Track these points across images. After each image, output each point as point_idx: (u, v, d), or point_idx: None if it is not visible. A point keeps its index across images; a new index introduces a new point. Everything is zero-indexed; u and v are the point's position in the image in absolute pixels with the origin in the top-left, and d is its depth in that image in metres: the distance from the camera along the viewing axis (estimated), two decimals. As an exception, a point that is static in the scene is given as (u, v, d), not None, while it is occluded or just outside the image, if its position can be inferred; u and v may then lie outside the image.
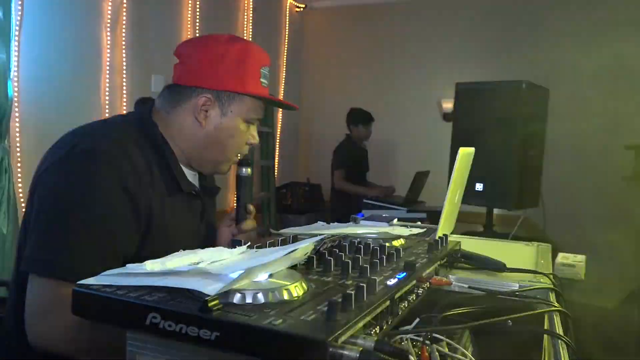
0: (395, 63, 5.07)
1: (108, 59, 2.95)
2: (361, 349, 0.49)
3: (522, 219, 2.47)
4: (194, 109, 1.11)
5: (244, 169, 1.19)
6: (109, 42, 2.94)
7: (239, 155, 1.19)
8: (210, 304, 0.52)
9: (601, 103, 4.12)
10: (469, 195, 2.17)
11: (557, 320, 0.72)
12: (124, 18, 3.04)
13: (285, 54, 5.06)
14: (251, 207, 1.22)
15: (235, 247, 0.75)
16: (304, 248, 0.66)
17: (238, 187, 1.21)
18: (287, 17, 5.09)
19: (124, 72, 3.06)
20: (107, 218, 0.96)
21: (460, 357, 0.70)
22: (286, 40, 5.07)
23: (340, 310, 0.52)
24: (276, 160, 4.75)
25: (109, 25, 2.94)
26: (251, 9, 4.37)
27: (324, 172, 4.54)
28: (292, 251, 0.63)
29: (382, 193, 4.11)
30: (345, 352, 0.49)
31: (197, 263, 0.65)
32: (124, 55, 3.05)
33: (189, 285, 0.55)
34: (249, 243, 0.75)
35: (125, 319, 0.56)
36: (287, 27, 5.08)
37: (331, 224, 1.13)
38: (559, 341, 0.64)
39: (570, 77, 4.10)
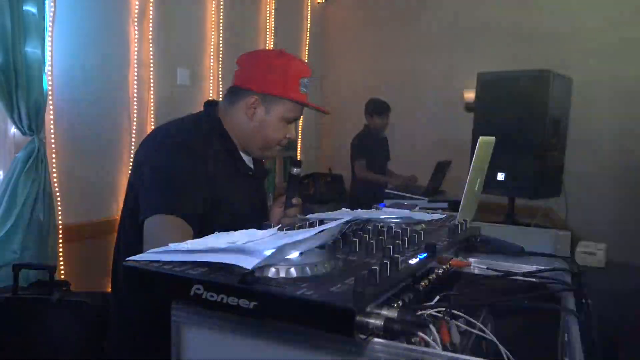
0: (416, 53, 5.06)
1: (135, 53, 3.03)
2: (385, 317, 0.54)
3: (545, 209, 2.48)
4: (245, 106, 1.40)
5: (295, 169, 1.46)
6: (136, 36, 3.02)
7: (281, 145, 1.46)
8: (248, 277, 0.58)
9: (623, 90, 4.05)
10: (490, 184, 2.20)
11: (572, 301, 0.76)
12: (151, 12, 3.11)
13: (307, 46, 5.10)
14: (295, 200, 1.46)
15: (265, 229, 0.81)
16: (331, 229, 0.71)
17: (288, 182, 1.47)
18: (309, 10, 5.12)
19: (151, 65, 3.14)
20: (189, 182, 1.26)
21: (478, 332, 0.74)
22: (308, 33, 5.10)
23: (366, 283, 0.57)
24: (299, 151, 4.80)
25: (136, 19, 3.01)
26: (274, 2, 4.41)
27: (346, 163, 4.58)
28: (320, 231, 0.68)
29: (404, 182, 4.13)
30: (371, 320, 0.54)
31: (234, 242, 0.71)
32: (150, 49, 3.12)
33: (229, 260, 0.61)
34: (279, 226, 0.81)
35: (171, 290, 0.62)
36: (309, 20, 5.11)
37: (355, 210, 1.18)
38: (574, 318, 0.68)
39: (593, 65, 4.04)
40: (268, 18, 4.40)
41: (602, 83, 4.03)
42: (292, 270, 0.60)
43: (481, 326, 0.76)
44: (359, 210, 1.18)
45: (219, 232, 0.95)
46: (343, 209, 1.20)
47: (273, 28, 4.42)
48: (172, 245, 0.71)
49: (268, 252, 0.63)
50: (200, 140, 1.34)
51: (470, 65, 4.34)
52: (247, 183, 1.48)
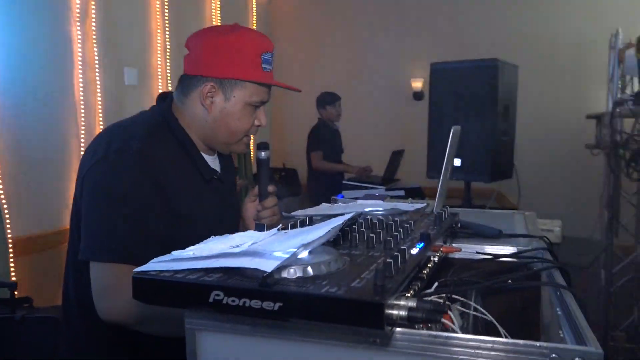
0: (362, 45, 5.14)
1: (80, 54, 2.90)
2: (408, 307, 0.56)
3: (497, 192, 2.61)
4: (200, 96, 1.20)
5: (262, 153, 1.30)
6: (79, 37, 2.89)
7: (249, 136, 1.27)
8: (268, 279, 0.58)
9: (565, 76, 4.30)
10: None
11: (556, 275, 0.81)
12: (93, 11, 2.99)
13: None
14: (271, 188, 1.32)
15: (260, 231, 0.81)
16: (336, 227, 0.73)
17: (258, 169, 1.32)
18: (254, 6, 5.07)
19: (97, 66, 3.02)
20: (142, 208, 1.08)
21: (476, 313, 0.78)
22: (254, 25, 5.06)
23: (385, 277, 0.59)
24: (252, 148, 4.77)
25: (78, 19, 2.89)
26: (218, -3, 4.35)
27: (299, 157, 4.60)
28: (329, 229, 0.69)
29: (360, 172, 4.21)
30: (394, 312, 0.56)
31: (238, 246, 0.71)
32: (95, 49, 3.00)
33: (246, 264, 0.61)
34: (279, 225, 0.81)
35: (187, 299, 0.61)
36: (254, 16, 5.07)
37: (336, 204, 1.20)
38: (561, 291, 0.73)
39: (537, 52, 4.26)
40: (214, 14, 4.33)
41: (545, 69, 4.25)
42: (309, 269, 0.62)
43: (476, 306, 0.80)
44: (340, 204, 1.20)
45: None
46: (323, 204, 1.21)
47: (219, 24, 4.35)
48: (175, 253, 0.71)
49: (278, 254, 0.64)
50: (152, 145, 1.14)
51: (415, 55, 4.47)
52: (215, 189, 1.29)
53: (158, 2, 3.60)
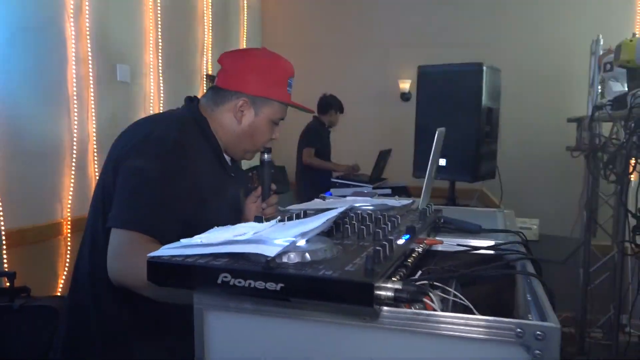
0: (353, 45, 5.22)
1: (73, 50, 2.94)
2: (394, 289, 0.64)
3: (480, 191, 2.71)
4: (233, 109, 1.37)
5: (266, 155, 1.44)
6: (73, 33, 2.93)
7: (264, 147, 1.45)
8: (271, 263, 0.66)
9: (547, 81, 4.43)
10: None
11: (529, 266, 0.89)
12: (87, 8, 3.02)
13: (244, 37, 5.11)
14: (273, 186, 1.47)
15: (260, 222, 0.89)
16: (331, 218, 0.80)
17: (262, 170, 1.46)
18: (245, 5, 5.12)
19: (90, 62, 3.06)
20: (171, 190, 1.20)
21: (454, 298, 0.86)
22: (245, 26, 5.11)
23: (374, 262, 0.67)
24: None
25: (72, 15, 2.92)
26: (210, -4, 4.39)
27: (288, 154, 4.67)
28: (325, 221, 0.76)
29: (348, 171, 4.29)
30: (382, 292, 0.64)
31: (241, 235, 0.78)
32: (88, 45, 3.04)
33: (252, 250, 0.68)
34: (278, 217, 0.88)
35: (197, 281, 0.68)
36: (245, 15, 5.12)
37: (328, 200, 1.27)
38: (537, 281, 0.81)
39: (520, 57, 4.38)
40: (205, 11, 4.37)
41: (528, 74, 4.38)
42: (307, 255, 0.69)
43: (455, 292, 0.88)
44: (331, 200, 1.28)
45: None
46: (316, 199, 1.29)
47: (210, 21, 4.40)
48: (184, 241, 0.77)
49: (281, 242, 0.71)
50: (188, 137, 1.29)
51: (403, 56, 4.56)
52: (230, 185, 1.44)
53: (151, 0, 3.64)
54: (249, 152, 1.45)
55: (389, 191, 3.55)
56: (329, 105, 4.48)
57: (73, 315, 1.32)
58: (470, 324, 0.61)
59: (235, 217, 1.46)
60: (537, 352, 0.59)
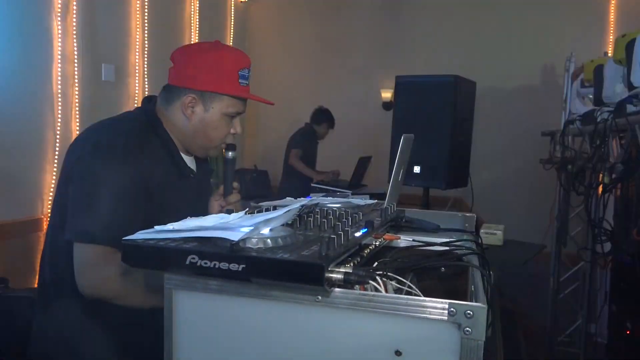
0: (337, 53, 5.32)
1: (59, 49, 2.98)
2: (344, 272, 0.71)
3: (453, 199, 2.81)
4: (182, 105, 1.35)
5: (230, 153, 1.42)
6: (59, 32, 2.97)
7: (224, 142, 1.41)
8: (234, 246, 0.73)
9: (522, 95, 4.58)
10: (408, 176, 2.46)
11: (477, 261, 0.98)
12: (74, 7, 3.07)
13: (230, 42, 5.18)
14: (235, 184, 1.46)
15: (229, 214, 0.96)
16: (293, 210, 0.88)
17: (225, 167, 1.43)
18: (232, 9, 5.20)
19: (75, 61, 3.10)
20: (125, 197, 1.21)
21: (408, 289, 0.94)
22: (231, 32, 5.19)
23: (327, 248, 0.74)
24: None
25: (59, 14, 2.97)
26: (198, 1, 4.46)
27: (271, 159, 4.75)
28: (287, 211, 0.84)
29: (329, 177, 4.37)
30: (333, 275, 0.71)
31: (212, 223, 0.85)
32: (75, 44, 3.08)
33: (218, 235, 0.75)
34: (245, 210, 0.96)
35: (168, 262, 0.75)
36: (232, 19, 5.19)
37: (299, 199, 1.35)
38: (478, 272, 0.89)
39: (496, 72, 4.52)
40: (192, 15, 4.44)
41: (506, 88, 4.52)
42: (268, 241, 0.76)
43: (409, 283, 0.96)
44: (302, 198, 1.35)
45: None
46: (288, 198, 1.36)
47: (197, 25, 4.47)
48: (158, 227, 0.84)
49: (246, 229, 0.79)
50: (138, 142, 1.27)
51: (385, 66, 4.67)
52: (190, 185, 1.42)
53: (138, 2, 3.69)
54: (208, 149, 1.42)
55: (367, 197, 3.62)
56: (322, 118, 4.59)
57: (41, 313, 1.35)
58: (410, 304, 0.69)
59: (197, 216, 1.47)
60: (467, 329, 0.67)
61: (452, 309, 0.67)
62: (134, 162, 1.23)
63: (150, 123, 1.35)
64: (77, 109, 3.12)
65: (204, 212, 1.47)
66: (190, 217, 1.34)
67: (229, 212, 0.99)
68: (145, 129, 1.33)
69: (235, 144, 1.45)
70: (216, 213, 1.41)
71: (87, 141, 1.27)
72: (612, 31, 4.63)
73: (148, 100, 1.42)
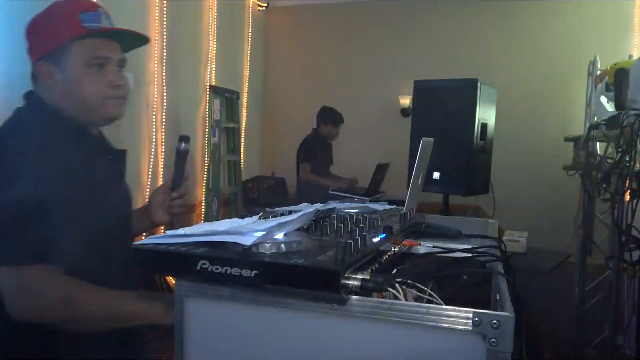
0: (355, 60, 5.30)
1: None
2: (361, 279, 0.68)
3: (473, 207, 2.75)
4: (42, 79, 1.18)
5: (182, 144, 1.31)
6: (80, 41, 3.01)
7: (112, 96, 1.21)
8: (247, 251, 0.70)
9: (544, 100, 4.49)
10: (428, 182, 2.41)
11: (500, 267, 0.93)
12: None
13: (248, 52, 5.20)
14: (187, 176, 1.35)
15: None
16: (308, 214, 0.84)
17: (176, 159, 1.33)
18: (250, 16, 5.22)
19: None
20: (41, 206, 1.03)
21: (428, 297, 0.90)
22: (249, 39, 5.20)
23: (344, 254, 0.71)
24: (242, 155, 4.89)
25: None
26: (216, 8, 4.48)
27: (288, 166, 4.72)
28: (301, 215, 0.81)
29: (346, 184, 4.33)
30: (350, 282, 0.68)
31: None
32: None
33: (230, 239, 0.73)
34: (259, 215, 0.93)
35: (178, 267, 0.72)
36: (250, 26, 5.22)
37: (315, 204, 1.31)
38: (504, 280, 0.85)
39: (518, 76, 4.45)
40: (210, 23, 4.46)
41: (527, 92, 4.44)
42: (282, 246, 0.73)
43: (430, 291, 0.92)
44: (319, 204, 1.31)
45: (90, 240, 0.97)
46: (304, 203, 1.33)
47: (215, 33, 4.49)
48: (169, 232, 0.82)
49: (259, 234, 0.76)
50: (31, 138, 1.11)
51: (404, 73, 4.63)
52: (111, 167, 1.28)
53: (157, 10, 3.72)
54: (96, 111, 1.20)
55: (385, 204, 3.57)
56: (326, 119, 4.51)
57: None
58: (431, 313, 0.65)
59: (125, 196, 1.32)
60: (493, 340, 0.62)
61: (476, 319, 0.63)
62: (30, 163, 1.06)
63: (37, 112, 1.19)
64: (96, 116, 3.15)
65: (125, 200, 1.34)
66: (115, 206, 1.22)
67: (244, 216, 0.96)
68: (35, 121, 1.17)
69: (188, 136, 1.33)
70: (161, 202, 1.33)
71: None
72: (637, 34, 4.52)
73: (28, 95, 1.24)
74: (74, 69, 1.17)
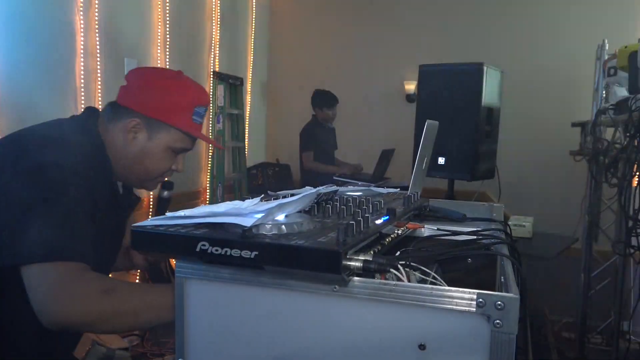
0: (360, 45, 5.24)
1: (82, 43, 2.99)
2: (363, 260, 0.67)
3: (478, 193, 2.73)
4: (125, 129, 1.23)
5: (165, 192, 1.34)
6: (82, 26, 2.98)
7: (164, 177, 1.31)
8: (247, 233, 0.69)
9: (551, 84, 4.44)
10: (432, 168, 2.39)
11: (506, 250, 0.92)
12: (96, 1, 3.08)
13: (252, 35, 5.15)
14: None
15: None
16: (309, 195, 0.83)
17: (158, 206, 1.36)
18: (254, 1, 5.17)
19: (98, 55, 3.11)
20: (80, 217, 1.08)
21: (431, 280, 0.88)
22: (253, 24, 5.16)
23: (346, 235, 0.70)
24: (246, 142, 4.87)
25: (81, 9, 2.98)
26: (219, -7, 4.44)
27: (293, 152, 4.70)
28: (303, 197, 0.79)
29: (350, 170, 4.31)
30: (352, 263, 0.66)
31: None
32: (97, 38, 3.09)
33: (230, 220, 0.71)
34: (262, 196, 0.92)
35: (178, 248, 0.72)
36: (254, 11, 5.17)
37: (318, 187, 1.30)
38: (509, 262, 0.84)
39: (524, 60, 4.39)
40: (214, 8, 4.42)
41: (534, 77, 4.39)
42: (283, 227, 0.72)
43: (434, 274, 0.91)
44: (321, 187, 1.30)
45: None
46: (306, 187, 1.31)
47: (219, 18, 4.45)
48: (169, 214, 0.81)
49: (259, 215, 0.75)
50: (83, 164, 1.14)
51: (409, 58, 4.57)
52: (118, 215, 1.31)
53: (160, -5, 3.69)
54: (144, 181, 1.29)
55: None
56: (317, 101, 4.45)
57: None
58: (435, 294, 0.64)
59: (117, 243, 1.34)
60: (497, 321, 0.61)
61: (480, 300, 0.62)
62: (82, 185, 1.10)
63: (94, 146, 1.22)
64: (100, 103, 3.13)
65: (119, 241, 1.36)
66: (108, 244, 1.26)
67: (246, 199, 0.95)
68: (88, 147, 1.20)
69: (172, 182, 1.35)
70: (135, 254, 1.35)
71: (25, 157, 1.11)
72: (646, 17, 4.44)
73: (90, 114, 1.28)
74: (159, 146, 1.25)
